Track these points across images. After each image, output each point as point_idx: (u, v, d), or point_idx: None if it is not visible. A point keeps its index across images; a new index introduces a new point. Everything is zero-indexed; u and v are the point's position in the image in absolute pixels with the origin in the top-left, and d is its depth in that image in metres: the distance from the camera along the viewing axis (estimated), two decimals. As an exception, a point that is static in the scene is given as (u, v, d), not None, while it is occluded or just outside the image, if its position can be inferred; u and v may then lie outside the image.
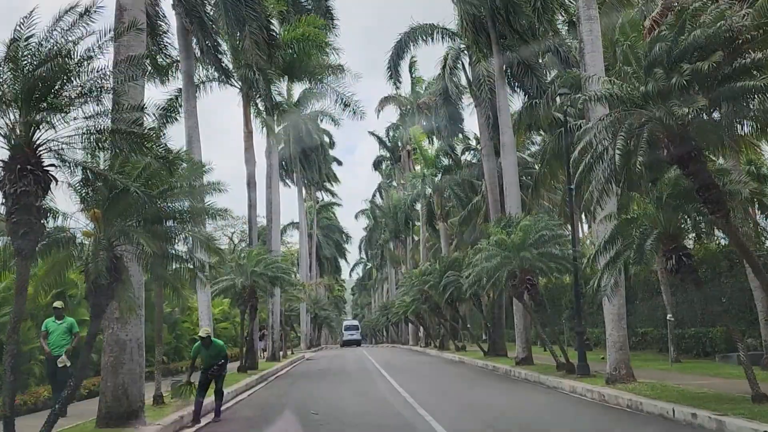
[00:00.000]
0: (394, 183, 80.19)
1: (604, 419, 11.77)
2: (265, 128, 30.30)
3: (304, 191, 72.05)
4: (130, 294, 9.85)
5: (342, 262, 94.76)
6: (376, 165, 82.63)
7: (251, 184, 29.16)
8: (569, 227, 23.40)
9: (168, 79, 26.71)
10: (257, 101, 29.75)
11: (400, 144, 69.06)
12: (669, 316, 20.62)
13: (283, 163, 66.27)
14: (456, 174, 42.23)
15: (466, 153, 40.83)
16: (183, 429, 11.68)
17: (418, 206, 59.90)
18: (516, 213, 23.18)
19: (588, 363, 18.09)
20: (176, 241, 10.48)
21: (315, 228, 77.44)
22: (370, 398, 15.99)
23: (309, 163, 65.19)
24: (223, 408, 14.68)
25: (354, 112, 31.03)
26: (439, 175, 44.29)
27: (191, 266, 11.36)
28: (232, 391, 17.81)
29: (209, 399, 13.58)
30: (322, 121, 64.06)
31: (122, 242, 9.71)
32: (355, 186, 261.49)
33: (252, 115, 30.01)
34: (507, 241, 19.33)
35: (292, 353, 45.14)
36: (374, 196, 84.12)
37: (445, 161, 45.00)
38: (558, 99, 19.62)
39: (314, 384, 20.72)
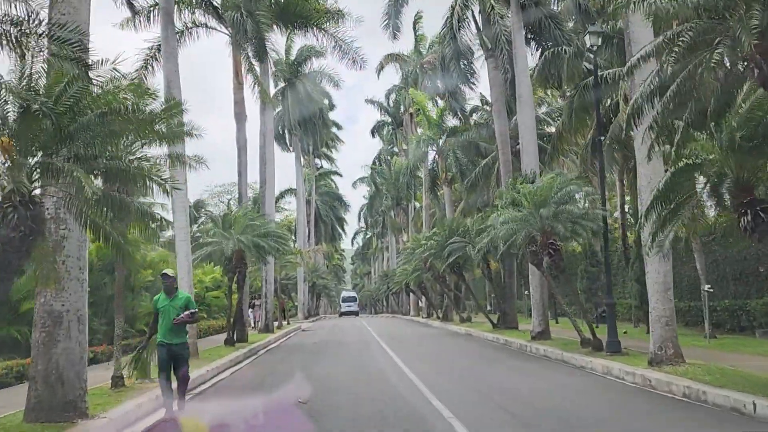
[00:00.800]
0: (396, 149, 77.59)
1: (673, 416, 9.42)
2: (256, 83, 27.69)
3: (302, 157, 69.60)
4: (54, 255, 7.50)
5: (341, 231, 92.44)
6: (376, 130, 79.92)
7: (241, 142, 26.72)
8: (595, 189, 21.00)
9: (149, 23, 24.22)
10: (249, 51, 27.16)
11: (402, 108, 66.33)
12: (707, 286, 18.31)
13: (280, 128, 63.90)
14: (462, 136, 39.71)
15: (474, 114, 38.22)
16: (139, 422, 9.38)
17: (421, 172, 57.63)
18: (533, 172, 20.79)
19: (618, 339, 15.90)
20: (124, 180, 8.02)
21: (314, 195, 75.18)
22: (371, 380, 13.73)
23: (308, 127, 62.59)
24: (196, 391, 12.44)
25: (354, 61, 28.42)
26: (444, 137, 41.74)
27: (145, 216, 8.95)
28: (213, 368, 15.58)
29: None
30: (321, 81, 61.56)
31: (48, 183, 7.36)
32: (356, 157, 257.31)
33: (243, 69, 27.39)
34: (528, 199, 16.97)
35: (288, 324, 43.05)
36: (375, 163, 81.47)
37: (450, 123, 42.47)
38: (587, 42, 17.06)
39: (307, 360, 18.52)
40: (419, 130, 52.36)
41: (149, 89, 8.33)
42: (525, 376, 14.05)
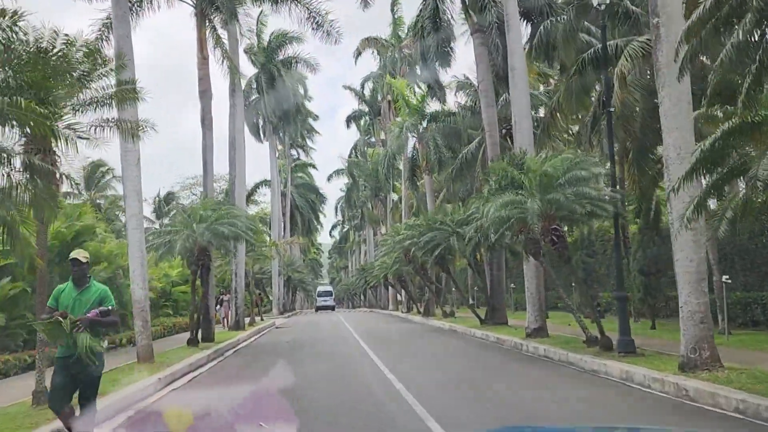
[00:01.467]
0: (373, 139, 75.45)
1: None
2: (224, 57, 25.38)
3: (277, 147, 67.20)
4: None
5: (318, 224, 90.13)
6: (352, 120, 77.67)
7: (206, 121, 24.39)
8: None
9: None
10: (215, 22, 24.86)
11: (379, 96, 64.22)
12: (725, 277, 16.41)
13: (254, 117, 61.44)
14: (443, 122, 37.68)
15: (459, 93, 36.13)
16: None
17: (400, 162, 55.53)
18: (525, 152, 18.72)
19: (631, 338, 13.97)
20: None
21: (289, 187, 72.88)
22: (351, 391, 11.60)
23: (283, 115, 60.22)
24: (137, 407, 10.24)
25: (328, 34, 26.10)
26: (425, 123, 39.67)
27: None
28: (166, 376, 13.38)
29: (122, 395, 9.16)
30: (296, 67, 59.24)
31: None
32: (334, 151, 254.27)
33: (209, 41, 25.05)
34: (531, 180, 14.94)
35: (262, 320, 40.78)
36: (351, 154, 79.14)
37: (431, 108, 40.40)
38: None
39: (276, 362, 16.34)
40: (398, 119, 50.35)
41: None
42: (533, 386, 11.98)
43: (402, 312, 47.46)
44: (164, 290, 31.62)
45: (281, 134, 60.98)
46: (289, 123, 60.77)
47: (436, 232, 24.92)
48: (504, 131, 29.66)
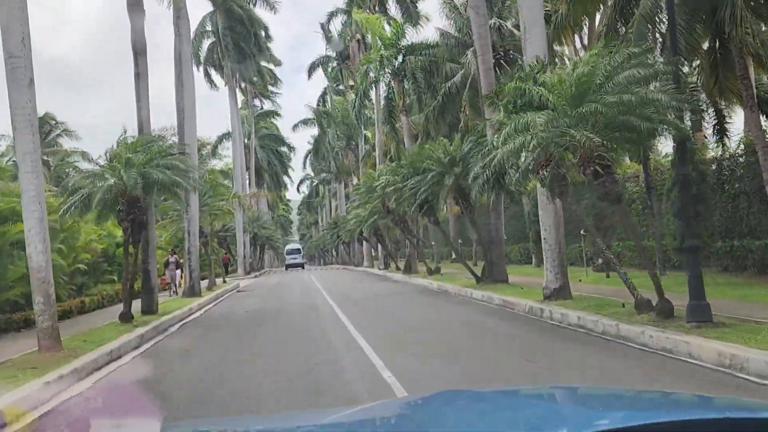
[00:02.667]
0: (342, 87, 70.59)
1: None
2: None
3: (238, 93, 62.27)
4: None
5: (286, 179, 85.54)
6: (318, 67, 72.49)
7: (138, 45, 19.81)
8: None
9: None
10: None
11: (349, 36, 59.27)
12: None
13: (214, 57, 56.39)
14: (423, 55, 33.37)
15: (441, 17, 31.71)
16: None
17: (372, 106, 51.09)
18: (541, 60, 14.57)
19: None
20: None
21: (253, 138, 68.23)
22: (325, 396, 7.58)
23: (242, 56, 55.24)
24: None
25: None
26: (400, 57, 35.31)
27: None
28: (65, 376, 9.30)
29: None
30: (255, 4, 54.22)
31: None
32: (302, 110, 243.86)
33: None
34: (558, 93, 10.89)
35: (225, 282, 36.69)
36: (319, 104, 73.97)
37: (408, 41, 35.98)
38: None
39: (228, 348, 12.32)
40: (370, 54, 45.85)
41: None
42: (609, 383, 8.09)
43: (379, 269, 43.61)
44: (106, 252, 27.29)
45: (239, 76, 55.91)
46: (249, 67, 55.89)
47: (424, 174, 20.82)
48: (496, 58, 25.57)
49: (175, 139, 29.34)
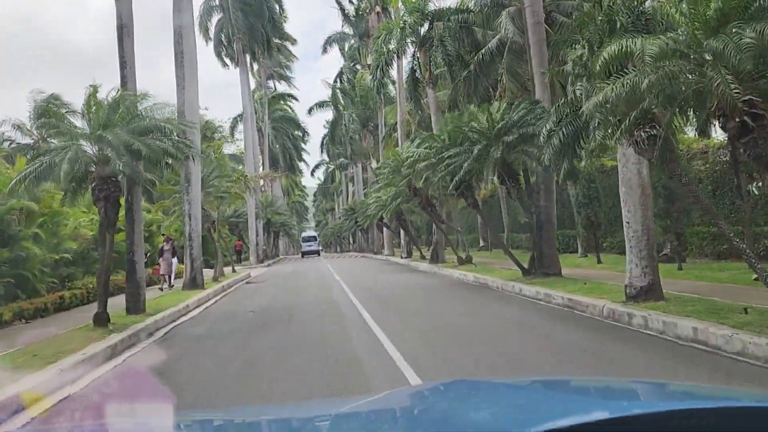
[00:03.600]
0: (359, 66, 67.08)
1: None
2: None
3: (252, 75, 59.05)
4: None
5: (301, 163, 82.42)
6: (333, 43, 69.18)
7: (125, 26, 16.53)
8: None
9: None
10: None
11: (368, 8, 55.75)
12: None
13: (223, 37, 53.20)
14: (450, 20, 29.87)
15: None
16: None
17: (392, 83, 47.64)
18: None
19: None
20: None
21: (266, 121, 64.89)
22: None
23: (254, 31, 51.96)
24: None
25: None
26: (426, 25, 31.85)
27: None
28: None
29: None
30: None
31: None
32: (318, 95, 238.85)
33: None
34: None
35: (234, 271, 33.62)
36: (336, 82, 70.50)
37: (434, 4, 32.45)
38: None
39: (221, 363, 9.12)
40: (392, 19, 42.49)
41: None
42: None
43: (401, 257, 40.26)
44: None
45: (251, 53, 52.63)
46: (260, 41, 52.59)
47: (463, 146, 17.38)
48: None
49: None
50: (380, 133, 49.07)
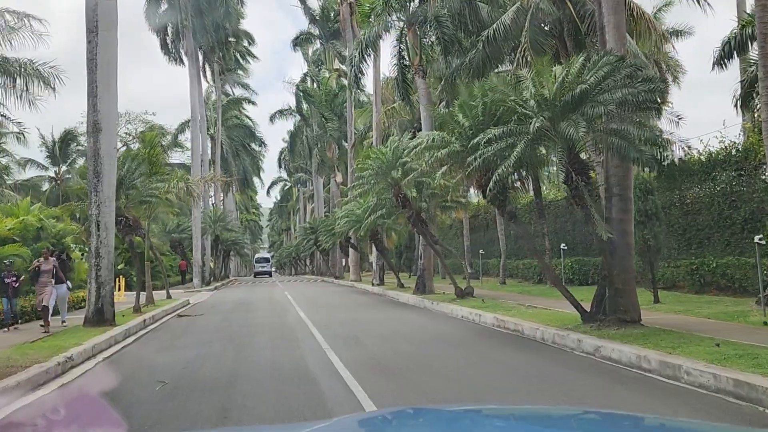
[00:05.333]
0: (326, 71, 60.80)
1: None
2: None
3: (202, 76, 52.37)
4: None
5: (257, 176, 75.39)
6: (299, 44, 62.97)
7: None
8: None
9: None
10: None
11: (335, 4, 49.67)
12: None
13: (170, 29, 46.60)
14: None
15: None
16: None
17: (362, 94, 41.59)
18: None
19: None
20: None
21: (219, 128, 58.15)
22: None
23: (204, 18, 45.50)
24: None
25: None
26: (416, 1, 25.86)
27: None
28: None
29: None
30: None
31: None
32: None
33: None
34: None
35: (169, 297, 26.88)
36: (298, 94, 63.56)
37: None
38: None
39: None
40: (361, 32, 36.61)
41: None
42: None
43: (373, 284, 33.73)
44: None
45: (201, 48, 46.07)
46: (210, 30, 46.15)
47: (511, 125, 11.08)
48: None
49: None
50: (350, 138, 42.67)
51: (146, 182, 20.35)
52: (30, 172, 57.49)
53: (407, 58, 26.52)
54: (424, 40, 25.65)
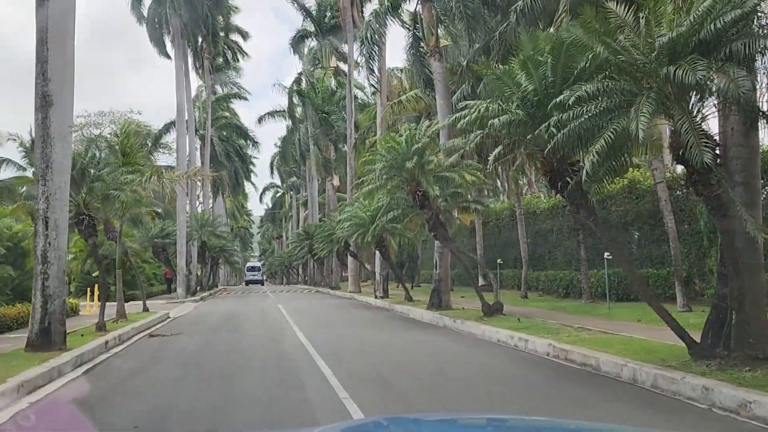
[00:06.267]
0: (321, 71, 57.26)
1: None
2: None
3: (189, 67, 49.00)
4: None
5: (247, 178, 71.77)
6: (295, 44, 59.29)
7: None
8: None
9: None
10: None
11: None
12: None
13: (156, 23, 43.28)
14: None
15: None
16: None
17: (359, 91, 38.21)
18: None
19: None
20: None
21: (209, 128, 54.75)
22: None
23: (193, 9, 42.14)
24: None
25: None
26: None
27: None
28: None
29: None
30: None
31: None
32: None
33: None
34: None
35: (146, 310, 23.43)
36: (292, 95, 59.69)
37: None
38: None
39: None
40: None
41: None
42: None
43: (377, 296, 30.19)
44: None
45: (187, 30, 42.56)
46: (198, 20, 42.82)
47: (608, 81, 7.75)
48: None
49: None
50: (349, 137, 39.20)
51: (115, 174, 16.87)
52: (7, 173, 54.02)
53: (424, 39, 23.18)
54: (444, 18, 22.36)
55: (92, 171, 16.70)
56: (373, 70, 27.22)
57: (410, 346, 13.73)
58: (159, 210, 61.37)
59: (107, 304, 17.25)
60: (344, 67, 55.81)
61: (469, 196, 20.46)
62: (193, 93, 50.81)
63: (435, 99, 23.96)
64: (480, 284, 31.04)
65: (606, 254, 18.81)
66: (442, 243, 19.32)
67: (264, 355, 12.47)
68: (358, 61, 35.19)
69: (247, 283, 73.76)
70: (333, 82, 56.26)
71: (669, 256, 20.07)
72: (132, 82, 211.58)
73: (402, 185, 17.90)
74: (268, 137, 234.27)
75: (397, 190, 18.57)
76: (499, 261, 27.10)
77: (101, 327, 16.50)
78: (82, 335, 15.38)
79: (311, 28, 56.69)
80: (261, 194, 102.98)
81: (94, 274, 34.60)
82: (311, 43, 60.72)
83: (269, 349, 13.11)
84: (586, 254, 21.57)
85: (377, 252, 28.61)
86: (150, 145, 51.81)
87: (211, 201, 59.63)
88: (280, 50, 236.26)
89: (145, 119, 61.05)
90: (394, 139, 17.50)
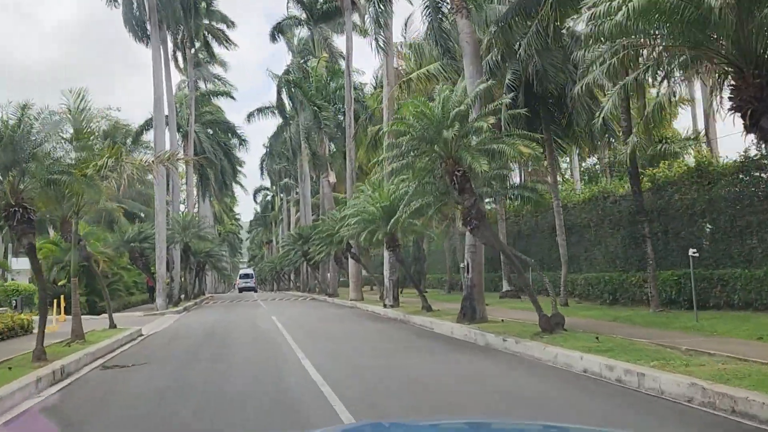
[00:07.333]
0: (312, 62, 52.99)
1: None
2: None
3: (168, 54, 44.86)
4: None
5: (234, 179, 67.38)
6: (279, 32, 54.53)
7: None
8: None
9: None
10: None
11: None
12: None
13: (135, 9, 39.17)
14: None
15: None
16: None
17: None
18: None
19: None
20: None
21: (192, 124, 50.62)
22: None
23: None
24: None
25: None
26: None
27: None
28: None
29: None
30: None
31: None
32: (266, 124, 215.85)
33: None
34: None
35: (113, 327, 19.21)
36: (281, 79, 55.29)
37: None
38: None
39: None
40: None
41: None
42: None
43: (385, 305, 25.95)
44: None
45: (167, 21, 38.36)
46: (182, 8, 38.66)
47: None
48: None
49: None
50: (348, 126, 34.94)
51: (56, 153, 12.70)
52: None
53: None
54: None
55: (26, 148, 12.51)
56: (380, 25, 22.97)
57: (467, 385, 9.57)
58: (142, 214, 57.33)
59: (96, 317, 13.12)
60: (338, 58, 51.97)
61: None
62: (175, 88, 46.74)
63: (455, 71, 19.93)
64: (504, 289, 27.08)
65: (691, 251, 14.80)
66: (484, 240, 15.20)
67: (259, 404, 8.30)
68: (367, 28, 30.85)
69: (241, 290, 71.80)
70: (326, 74, 52.10)
71: (758, 252, 16.25)
72: (126, 86, 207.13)
73: (433, 164, 13.80)
74: (258, 140, 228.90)
75: (425, 173, 14.48)
76: (531, 260, 23.03)
77: (39, 356, 12.33)
78: (10, 368, 11.25)
79: (297, 13, 52.45)
80: (254, 194, 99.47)
81: (60, 283, 30.43)
82: (301, 32, 56.61)
83: (266, 394, 8.92)
84: (653, 252, 17.54)
85: (387, 253, 24.49)
86: (129, 143, 47.68)
87: (196, 203, 55.37)
88: (271, 54, 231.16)
89: (134, 121, 56.91)
90: (426, 104, 13.38)
